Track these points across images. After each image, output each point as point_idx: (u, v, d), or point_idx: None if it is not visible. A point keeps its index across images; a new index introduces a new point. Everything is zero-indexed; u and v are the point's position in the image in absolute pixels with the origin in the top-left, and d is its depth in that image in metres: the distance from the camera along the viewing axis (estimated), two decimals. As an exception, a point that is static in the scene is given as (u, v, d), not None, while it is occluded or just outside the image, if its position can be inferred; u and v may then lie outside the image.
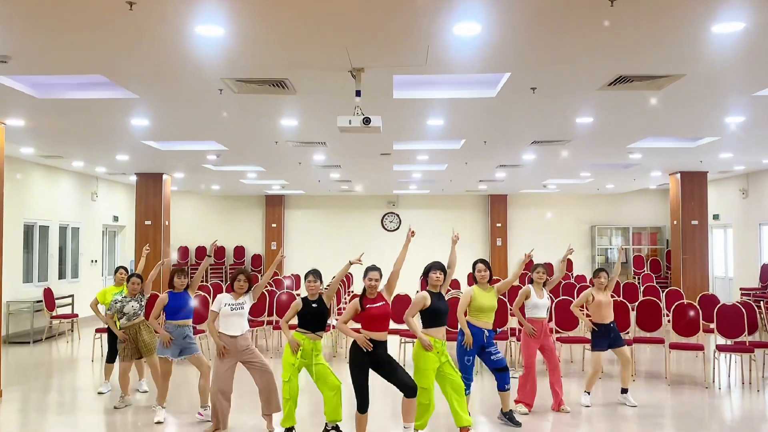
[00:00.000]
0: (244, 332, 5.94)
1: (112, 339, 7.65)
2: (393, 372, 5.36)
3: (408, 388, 5.32)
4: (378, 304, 5.44)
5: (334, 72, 5.89)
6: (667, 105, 7.41)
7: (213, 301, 6.55)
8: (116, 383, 7.50)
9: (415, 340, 5.62)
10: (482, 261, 6.39)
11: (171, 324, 6.42)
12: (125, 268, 8.01)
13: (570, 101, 7.23)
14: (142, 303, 7.01)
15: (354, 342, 5.42)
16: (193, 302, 6.60)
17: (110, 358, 7.74)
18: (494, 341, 6.32)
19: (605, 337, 7.02)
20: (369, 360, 5.39)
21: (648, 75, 6.12)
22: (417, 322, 5.59)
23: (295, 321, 5.90)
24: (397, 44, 5.14)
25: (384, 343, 5.46)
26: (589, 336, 7.34)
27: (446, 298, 5.82)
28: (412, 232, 5.75)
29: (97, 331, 9.71)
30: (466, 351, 6.14)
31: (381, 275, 5.48)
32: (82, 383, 8.34)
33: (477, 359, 6.28)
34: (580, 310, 7.36)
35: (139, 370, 7.80)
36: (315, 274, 5.91)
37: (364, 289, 5.50)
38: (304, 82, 6.35)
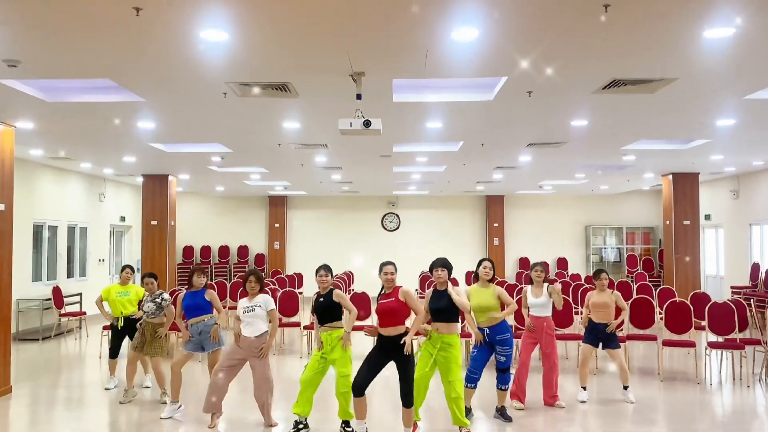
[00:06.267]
0: (256, 335, 5.88)
1: (115, 335, 7.68)
2: (403, 373, 5.28)
3: (406, 398, 5.28)
4: (387, 300, 5.33)
5: (336, 76, 5.88)
6: (660, 108, 7.40)
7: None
8: (123, 378, 7.49)
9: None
10: (489, 260, 6.33)
11: (187, 323, 6.51)
12: (131, 267, 7.98)
13: (565, 104, 7.22)
14: (160, 303, 7.00)
15: None
16: (208, 297, 6.60)
17: (113, 354, 7.74)
18: (507, 342, 6.12)
19: (593, 335, 7.03)
20: (379, 349, 5.35)
21: (641, 79, 6.11)
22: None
23: None
24: (397, 49, 5.13)
25: (392, 339, 5.29)
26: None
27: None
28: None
29: (105, 328, 9.69)
30: (474, 345, 6.17)
31: (396, 269, 5.43)
32: (89, 379, 8.33)
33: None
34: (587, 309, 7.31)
35: (144, 365, 7.79)
36: (326, 268, 5.85)
37: (383, 286, 5.45)
38: (306, 86, 6.35)
